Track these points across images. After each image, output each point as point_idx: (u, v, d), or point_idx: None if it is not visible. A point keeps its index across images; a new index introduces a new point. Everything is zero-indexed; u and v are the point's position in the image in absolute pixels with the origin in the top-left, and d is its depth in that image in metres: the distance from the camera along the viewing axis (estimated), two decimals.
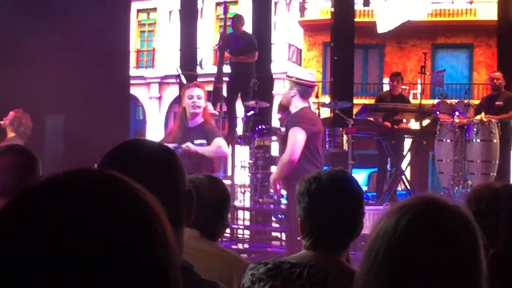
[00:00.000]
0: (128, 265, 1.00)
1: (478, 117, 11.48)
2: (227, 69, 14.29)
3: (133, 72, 25.16)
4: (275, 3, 33.61)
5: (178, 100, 17.45)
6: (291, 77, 7.32)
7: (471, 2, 33.88)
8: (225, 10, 15.03)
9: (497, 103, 12.10)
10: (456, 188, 10.99)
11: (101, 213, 1.01)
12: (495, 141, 10.98)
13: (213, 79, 14.13)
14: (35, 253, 0.96)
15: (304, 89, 7.21)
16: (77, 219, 0.99)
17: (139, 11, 38.66)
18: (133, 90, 26.87)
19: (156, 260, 1.04)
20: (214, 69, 14.69)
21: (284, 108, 12.69)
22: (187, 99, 7.84)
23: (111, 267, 0.98)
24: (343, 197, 3.12)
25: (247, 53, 13.62)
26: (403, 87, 15.82)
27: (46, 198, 1.02)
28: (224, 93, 14.20)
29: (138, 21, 39.45)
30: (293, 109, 7.29)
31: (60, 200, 1.01)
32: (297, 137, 6.97)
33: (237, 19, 14.22)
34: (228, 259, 3.58)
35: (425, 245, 1.58)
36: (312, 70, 7.69)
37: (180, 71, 13.57)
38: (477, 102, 13.25)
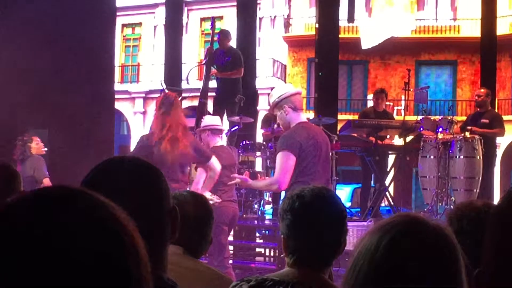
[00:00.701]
0: (95, 276, 1.00)
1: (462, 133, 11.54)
2: (212, 84, 14.29)
3: (117, 86, 25.13)
4: (260, 19, 33.69)
5: None
6: (274, 101, 6.76)
7: (455, 19, 34.07)
8: (213, 25, 15.03)
9: (482, 120, 12.11)
10: (440, 204, 11.00)
11: (67, 226, 1.02)
12: (478, 157, 11.01)
13: (198, 94, 14.14)
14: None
15: (292, 100, 6.68)
16: (45, 231, 1.01)
17: (124, 25, 38.65)
18: (118, 105, 26.90)
19: (125, 272, 1.05)
20: (199, 84, 14.70)
21: (268, 123, 12.74)
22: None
23: (75, 278, 0.99)
24: (326, 215, 3.13)
25: (233, 69, 13.63)
26: (387, 103, 15.87)
27: (15, 212, 1.04)
28: (209, 108, 14.20)
29: (123, 36, 39.43)
30: (292, 126, 6.72)
31: (28, 215, 1.03)
32: (284, 163, 6.44)
33: (224, 35, 14.22)
34: (211, 276, 3.57)
35: (407, 264, 1.58)
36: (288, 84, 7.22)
37: (164, 86, 13.56)
38: (460, 118, 13.29)
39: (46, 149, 10.79)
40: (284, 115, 6.68)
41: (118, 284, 1.03)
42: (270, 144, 11.90)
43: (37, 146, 10.60)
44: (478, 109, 12.62)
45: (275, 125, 10.61)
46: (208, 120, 9.17)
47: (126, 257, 1.05)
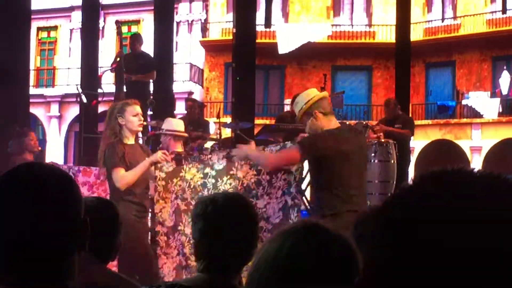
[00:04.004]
0: None
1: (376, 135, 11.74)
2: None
3: (32, 90, 24.72)
4: (177, 24, 33.63)
5: (79, 119, 17.22)
6: (302, 108, 6.27)
7: (370, 25, 34.53)
8: (119, 29, 14.95)
9: (396, 126, 12.45)
10: None
11: None
12: (392, 161, 11.17)
13: (113, 98, 14.05)
14: None
15: (322, 104, 6.23)
16: None
17: (39, 29, 38.11)
18: (33, 109, 26.46)
19: None
20: (114, 88, 14.61)
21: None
22: (131, 116, 7.10)
23: None
24: (238, 220, 3.14)
25: (145, 72, 13.55)
26: None
27: None
28: None
29: (38, 39, 38.85)
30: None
31: None
32: (287, 153, 6.41)
33: (135, 39, 14.15)
34: (117, 282, 3.56)
35: (305, 269, 1.62)
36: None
37: (80, 90, 13.44)
38: (375, 123, 13.49)
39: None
40: (315, 121, 6.21)
41: None
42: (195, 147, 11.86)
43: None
44: (389, 116, 12.98)
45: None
46: (173, 124, 8.90)
47: None
